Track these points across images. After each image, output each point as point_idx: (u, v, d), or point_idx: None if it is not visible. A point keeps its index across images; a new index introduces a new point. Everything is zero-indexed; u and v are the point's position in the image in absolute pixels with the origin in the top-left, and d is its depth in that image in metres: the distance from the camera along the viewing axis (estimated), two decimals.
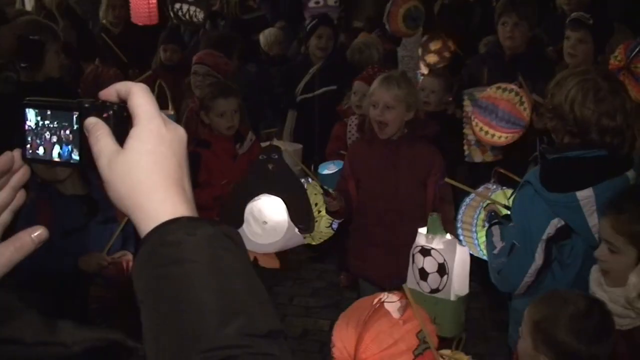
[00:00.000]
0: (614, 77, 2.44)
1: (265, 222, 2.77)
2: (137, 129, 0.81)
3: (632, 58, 3.51)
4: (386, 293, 2.07)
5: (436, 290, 2.18)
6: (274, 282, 4.73)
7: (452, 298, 2.16)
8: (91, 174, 2.58)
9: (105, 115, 0.84)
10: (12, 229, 0.91)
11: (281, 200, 2.74)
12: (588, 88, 2.31)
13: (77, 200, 2.87)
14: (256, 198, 2.75)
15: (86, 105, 0.85)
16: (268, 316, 0.74)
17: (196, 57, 4.56)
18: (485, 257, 2.68)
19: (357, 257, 3.39)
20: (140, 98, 0.83)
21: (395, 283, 3.20)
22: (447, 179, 2.94)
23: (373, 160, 3.25)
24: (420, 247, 2.20)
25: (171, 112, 4.08)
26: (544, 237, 2.34)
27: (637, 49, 3.59)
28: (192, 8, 5.41)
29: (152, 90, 3.75)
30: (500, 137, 3.30)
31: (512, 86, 3.32)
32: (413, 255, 2.28)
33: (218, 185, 3.62)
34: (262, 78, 5.43)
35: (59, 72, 3.81)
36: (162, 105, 4.02)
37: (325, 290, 4.63)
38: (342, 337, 1.96)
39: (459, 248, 2.17)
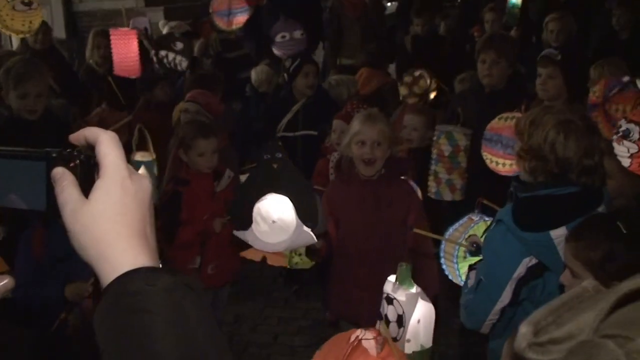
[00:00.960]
0: (587, 116, 2.48)
1: (273, 221, 2.75)
2: (103, 180, 0.84)
3: (610, 97, 3.55)
4: (362, 330, 2.05)
5: (395, 340, 2.17)
6: (259, 321, 4.70)
7: (407, 351, 2.15)
8: (56, 223, 2.63)
9: (72, 164, 0.85)
10: None
11: (288, 199, 2.73)
12: (569, 129, 2.33)
13: None
14: (263, 198, 2.74)
15: (53, 154, 0.86)
16: None
17: (188, 95, 4.59)
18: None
19: (337, 298, 3.37)
20: (107, 147, 0.85)
21: (375, 323, 3.21)
22: (415, 229, 2.93)
23: (352, 200, 3.25)
24: (386, 294, 2.20)
25: (151, 156, 4.08)
26: (515, 275, 2.34)
27: (616, 89, 3.64)
28: (178, 57, 5.50)
29: (132, 135, 3.78)
30: (511, 164, 3.26)
31: (514, 113, 3.34)
32: (383, 299, 2.27)
33: (200, 221, 3.67)
34: (247, 115, 5.47)
35: (45, 109, 3.86)
36: (143, 148, 4.04)
37: (310, 329, 4.58)
38: None
39: (422, 303, 2.16)
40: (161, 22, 6.68)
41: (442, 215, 4.44)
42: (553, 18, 5.38)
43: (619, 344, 0.51)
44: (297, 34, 5.49)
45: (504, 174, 3.37)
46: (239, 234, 2.80)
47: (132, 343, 0.74)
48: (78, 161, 0.86)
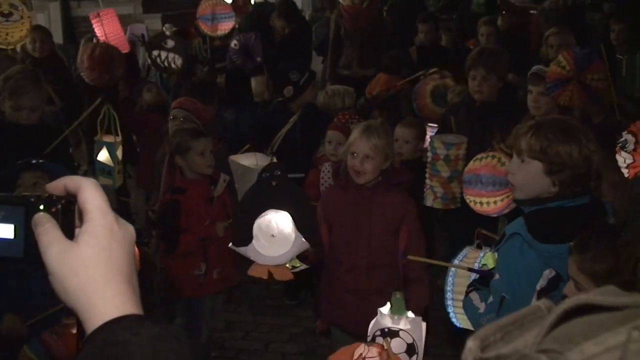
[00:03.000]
0: (566, 123, 2.48)
1: (272, 235, 2.81)
2: (91, 224, 0.82)
3: (584, 68, 3.60)
4: (364, 345, 2.05)
5: None
6: (251, 328, 4.71)
7: None
8: (31, 269, 2.68)
9: (53, 209, 0.82)
10: None
11: (287, 214, 2.79)
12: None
13: None
14: (263, 214, 2.79)
15: (32, 199, 0.83)
16: None
17: (175, 102, 4.62)
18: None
19: (328, 303, 3.40)
20: (90, 193, 0.83)
21: (363, 329, 3.23)
22: (409, 256, 2.90)
23: (347, 207, 3.29)
24: (387, 329, 2.18)
25: (115, 139, 4.09)
26: (538, 287, 2.33)
27: (587, 60, 3.67)
28: (171, 55, 5.50)
29: (100, 115, 3.83)
30: (495, 201, 3.25)
31: (487, 152, 3.33)
32: (374, 337, 2.25)
33: (201, 227, 3.70)
34: (243, 124, 5.50)
35: (39, 119, 3.87)
36: (111, 131, 4.07)
37: (301, 337, 4.60)
38: None
39: (422, 324, 2.18)
40: (166, 26, 6.72)
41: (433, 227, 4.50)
42: (553, 32, 5.43)
43: (551, 358, 0.54)
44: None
45: (489, 213, 3.30)
46: (240, 250, 2.84)
47: None
48: (59, 206, 0.83)
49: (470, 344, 0.61)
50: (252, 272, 2.92)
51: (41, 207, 0.83)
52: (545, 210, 2.38)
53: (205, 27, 6.10)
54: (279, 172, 2.83)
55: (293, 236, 2.78)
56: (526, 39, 6.86)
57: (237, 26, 6.76)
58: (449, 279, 2.72)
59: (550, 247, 2.31)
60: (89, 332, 0.79)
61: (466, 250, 2.77)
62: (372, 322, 2.27)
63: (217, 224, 3.68)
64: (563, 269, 2.30)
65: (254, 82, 6.09)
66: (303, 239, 2.79)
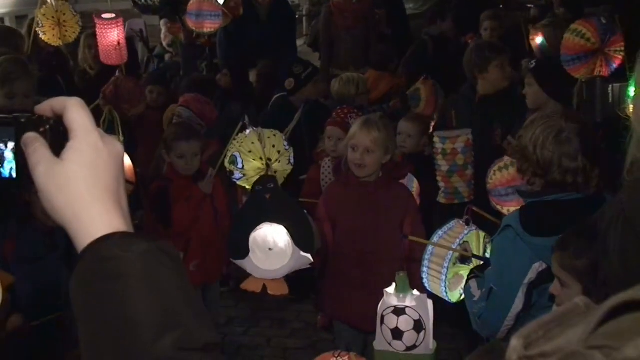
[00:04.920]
0: (577, 120, 2.51)
1: (270, 249, 2.83)
2: (75, 141, 0.82)
3: (607, 41, 3.55)
4: (332, 355, 2.09)
5: (412, 347, 2.21)
6: (252, 323, 4.72)
7: (432, 351, 2.20)
8: (28, 190, 2.70)
9: (42, 129, 0.84)
10: None
11: (283, 227, 2.80)
12: (550, 130, 2.38)
13: (40, 231, 2.99)
14: (258, 228, 2.81)
15: (22, 120, 0.85)
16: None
17: (182, 100, 4.58)
18: (446, 297, 2.70)
19: (333, 299, 3.41)
20: (75, 113, 0.83)
21: (370, 323, 3.25)
22: (410, 237, 2.93)
23: (349, 202, 3.30)
24: (392, 308, 2.23)
25: (119, 140, 4.11)
26: (526, 281, 2.36)
27: (611, 31, 3.62)
28: None
29: (101, 118, 3.82)
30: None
31: (503, 161, 3.19)
32: (383, 316, 2.30)
33: (190, 209, 3.77)
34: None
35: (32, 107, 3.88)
36: (113, 133, 4.07)
37: (303, 332, 4.61)
38: None
39: (429, 301, 2.22)
40: (162, 22, 6.70)
41: (435, 220, 4.49)
42: (542, 26, 5.46)
43: (605, 354, 0.54)
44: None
45: None
46: (238, 263, 2.86)
47: (107, 309, 0.75)
48: (48, 126, 0.84)
49: (515, 342, 0.61)
50: (246, 285, 2.94)
51: (31, 127, 0.84)
52: (541, 204, 2.41)
53: (190, 23, 6.09)
54: (272, 185, 2.85)
55: (290, 250, 2.80)
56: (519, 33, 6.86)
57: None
58: (431, 249, 2.76)
59: (542, 241, 2.33)
60: (79, 250, 0.79)
61: (453, 223, 2.79)
62: (380, 303, 2.30)
63: (200, 182, 3.73)
64: None
65: (252, 75, 6.07)
66: (302, 254, 2.81)
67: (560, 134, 2.38)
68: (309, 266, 2.92)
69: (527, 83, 3.89)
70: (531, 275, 2.36)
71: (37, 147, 0.82)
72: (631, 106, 2.46)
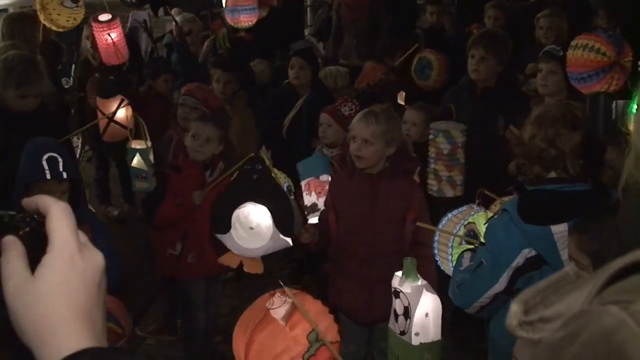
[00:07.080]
0: (581, 113, 2.51)
1: (251, 228, 2.88)
2: (50, 256, 0.79)
3: (620, 52, 3.55)
4: (273, 296, 2.11)
5: (403, 333, 2.22)
6: None
7: (414, 343, 2.19)
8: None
9: (21, 233, 0.82)
10: None
11: (266, 208, 2.85)
12: (553, 122, 2.40)
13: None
14: (242, 205, 2.87)
15: (5, 219, 0.82)
16: None
17: (185, 88, 4.60)
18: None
19: (335, 290, 3.41)
20: (56, 221, 0.81)
21: (367, 317, 3.26)
22: (418, 223, 2.97)
23: (352, 193, 3.29)
24: (394, 289, 2.26)
25: (146, 144, 4.11)
26: (513, 264, 2.41)
27: (622, 42, 3.62)
28: None
29: (130, 122, 3.85)
30: None
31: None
32: (392, 295, 2.32)
33: (180, 195, 3.74)
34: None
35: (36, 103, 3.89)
36: (140, 137, 4.09)
37: None
38: (236, 344, 2.06)
39: (428, 295, 2.20)
40: (174, 10, 6.65)
41: (439, 212, 4.48)
42: (544, 15, 5.43)
43: (623, 307, 0.54)
44: None
45: None
46: (218, 237, 2.90)
47: None
48: (28, 229, 0.82)
49: (514, 307, 0.62)
50: (223, 259, 2.99)
51: (12, 228, 0.82)
52: (539, 192, 2.43)
53: (228, 19, 6.12)
54: (260, 167, 2.88)
55: (271, 231, 2.84)
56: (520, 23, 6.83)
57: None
58: (440, 225, 2.93)
59: (534, 228, 2.37)
60: None
61: (464, 207, 2.92)
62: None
63: (194, 192, 3.68)
64: (545, 251, 2.36)
65: (253, 64, 6.06)
66: (283, 237, 2.84)
67: (563, 127, 2.39)
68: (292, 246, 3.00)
69: (548, 70, 3.85)
70: (519, 259, 2.41)
71: (11, 257, 0.79)
72: (632, 121, 2.45)
